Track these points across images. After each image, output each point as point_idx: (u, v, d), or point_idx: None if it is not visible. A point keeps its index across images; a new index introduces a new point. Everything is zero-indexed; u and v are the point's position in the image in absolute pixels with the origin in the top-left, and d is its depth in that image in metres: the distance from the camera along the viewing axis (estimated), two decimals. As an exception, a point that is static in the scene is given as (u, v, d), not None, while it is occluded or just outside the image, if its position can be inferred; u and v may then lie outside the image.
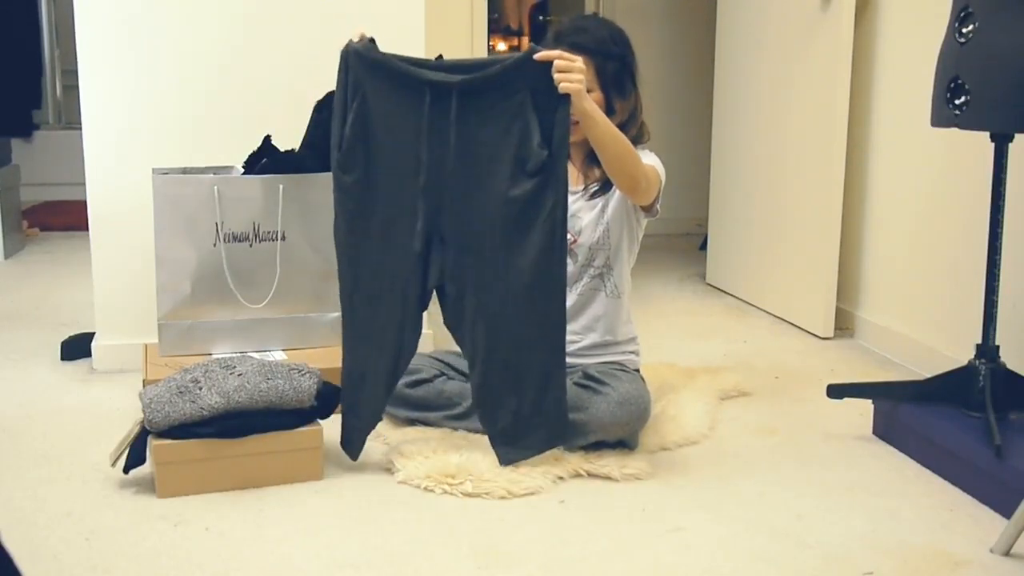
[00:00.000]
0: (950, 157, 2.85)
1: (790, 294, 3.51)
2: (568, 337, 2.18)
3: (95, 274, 2.85)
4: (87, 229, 2.85)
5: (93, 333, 2.92)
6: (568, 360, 2.19)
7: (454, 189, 2.12)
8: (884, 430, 2.45)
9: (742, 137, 3.84)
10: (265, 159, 2.67)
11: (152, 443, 2.07)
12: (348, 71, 2.13)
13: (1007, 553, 1.88)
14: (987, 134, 2.24)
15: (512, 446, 2.17)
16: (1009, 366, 2.29)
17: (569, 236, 2.23)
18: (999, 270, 2.27)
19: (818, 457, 2.35)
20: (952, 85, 2.16)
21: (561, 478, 2.17)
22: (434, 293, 2.19)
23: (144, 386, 2.35)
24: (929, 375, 2.58)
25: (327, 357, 2.59)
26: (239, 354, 2.52)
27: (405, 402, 2.39)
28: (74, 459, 2.25)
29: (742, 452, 2.37)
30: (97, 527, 1.94)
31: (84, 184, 2.81)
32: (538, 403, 2.15)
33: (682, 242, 4.94)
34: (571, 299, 2.32)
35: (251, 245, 2.65)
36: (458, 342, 2.23)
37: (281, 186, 2.63)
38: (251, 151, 2.69)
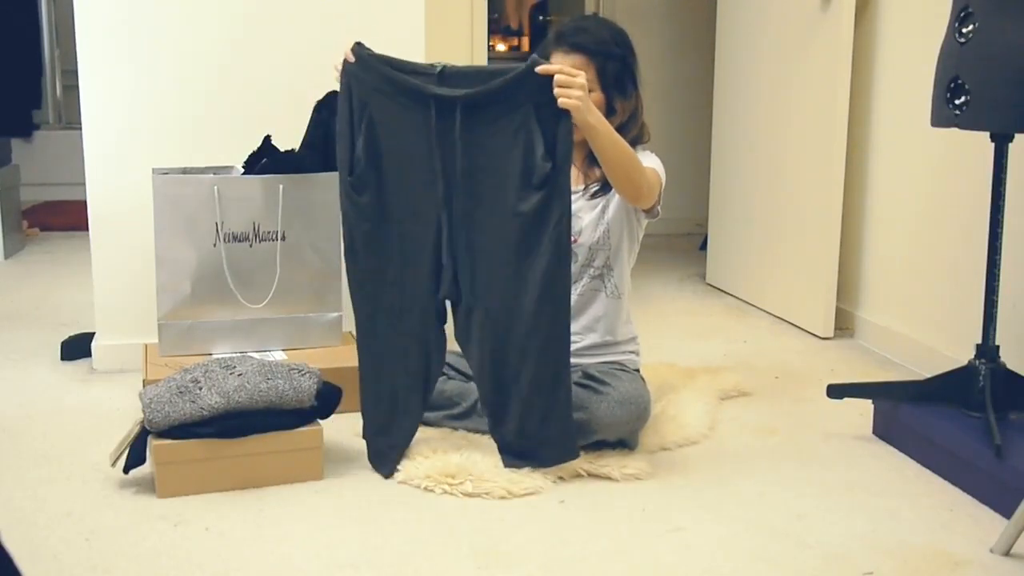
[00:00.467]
0: (950, 157, 2.85)
1: (790, 294, 3.51)
2: (568, 337, 2.18)
3: (95, 274, 2.85)
4: (87, 229, 2.85)
5: (93, 333, 2.92)
6: (568, 360, 2.19)
7: (461, 202, 2.12)
8: (884, 430, 2.45)
9: (742, 137, 3.84)
10: (265, 159, 2.67)
11: (152, 443, 2.07)
12: (351, 92, 2.13)
13: (1007, 553, 1.88)
14: (987, 134, 2.24)
15: (520, 459, 2.18)
16: (1009, 366, 2.29)
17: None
18: (999, 270, 2.27)
19: (818, 457, 2.35)
20: (952, 85, 2.16)
21: (561, 478, 2.17)
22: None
23: (144, 386, 2.35)
24: (929, 375, 2.58)
25: (327, 357, 2.60)
26: (239, 354, 2.51)
27: (405, 402, 2.39)
28: (74, 459, 2.25)
29: (742, 452, 2.37)
30: (97, 527, 1.94)
31: (84, 184, 2.81)
32: (545, 418, 2.15)
33: (682, 242, 4.94)
34: (571, 299, 2.32)
35: (251, 245, 2.65)
36: (466, 357, 2.24)
37: (281, 186, 2.64)
38: (251, 151, 2.69)
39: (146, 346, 2.68)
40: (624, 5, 5.04)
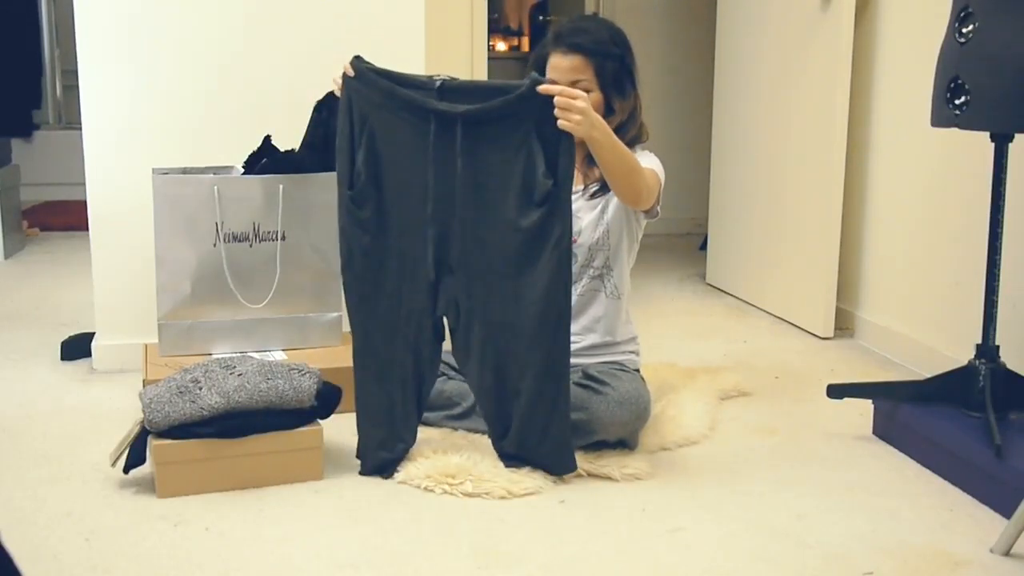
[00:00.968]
0: (950, 157, 2.85)
1: (790, 294, 3.51)
2: (568, 337, 2.18)
3: (95, 274, 2.85)
4: (87, 229, 2.85)
5: (93, 333, 2.92)
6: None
7: (461, 218, 2.12)
8: (884, 430, 2.45)
9: (742, 137, 3.84)
10: (265, 159, 2.67)
11: (152, 443, 2.07)
12: (352, 106, 2.13)
13: (1007, 553, 1.88)
14: (987, 134, 2.24)
15: (521, 462, 2.18)
16: (1009, 366, 2.29)
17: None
18: (999, 270, 2.27)
19: (818, 457, 2.35)
20: (952, 85, 2.16)
21: (561, 478, 2.17)
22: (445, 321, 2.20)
23: (144, 386, 2.35)
24: (929, 375, 2.58)
25: (327, 357, 2.60)
26: (239, 354, 2.51)
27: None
28: (74, 459, 2.25)
29: (742, 452, 2.37)
30: (97, 527, 1.94)
31: (84, 184, 2.81)
32: (544, 433, 2.14)
33: (682, 242, 4.94)
34: (571, 300, 2.32)
35: (251, 245, 2.65)
36: (464, 375, 2.24)
37: (281, 186, 2.64)
38: (251, 151, 2.69)
39: (146, 346, 2.68)
40: (624, 5, 5.04)
